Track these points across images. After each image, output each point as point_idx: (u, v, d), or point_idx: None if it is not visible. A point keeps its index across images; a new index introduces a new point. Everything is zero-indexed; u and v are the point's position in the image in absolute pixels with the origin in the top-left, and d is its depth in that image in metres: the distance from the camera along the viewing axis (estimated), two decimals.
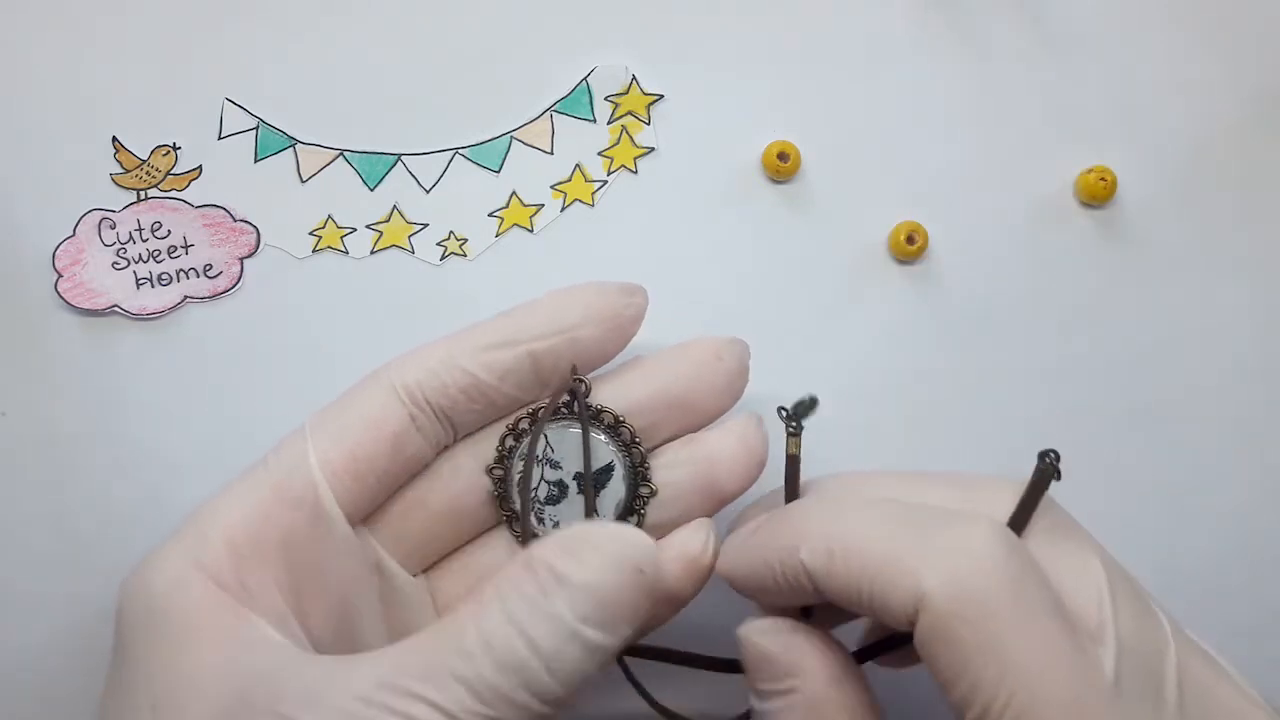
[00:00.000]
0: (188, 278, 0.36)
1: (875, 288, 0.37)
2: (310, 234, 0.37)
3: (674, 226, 0.37)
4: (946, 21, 0.38)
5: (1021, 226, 0.37)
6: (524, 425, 0.32)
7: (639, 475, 0.31)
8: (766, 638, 0.28)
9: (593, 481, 0.31)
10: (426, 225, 0.37)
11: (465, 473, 0.32)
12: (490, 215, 0.37)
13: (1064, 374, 0.37)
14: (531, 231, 0.37)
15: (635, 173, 0.37)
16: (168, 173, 0.36)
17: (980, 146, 0.37)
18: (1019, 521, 0.28)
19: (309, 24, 0.37)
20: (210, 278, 0.36)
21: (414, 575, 0.33)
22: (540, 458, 0.31)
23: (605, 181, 0.37)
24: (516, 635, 0.25)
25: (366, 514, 0.31)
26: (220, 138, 0.37)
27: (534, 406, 0.32)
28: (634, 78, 0.37)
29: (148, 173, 0.36)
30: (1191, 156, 0.38)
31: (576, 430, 0.31)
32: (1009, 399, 0.37)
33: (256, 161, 0.37)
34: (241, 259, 0.37)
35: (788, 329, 0.37)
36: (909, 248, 0.37)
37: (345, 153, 0.37)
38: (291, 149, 0.37)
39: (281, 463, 0.30)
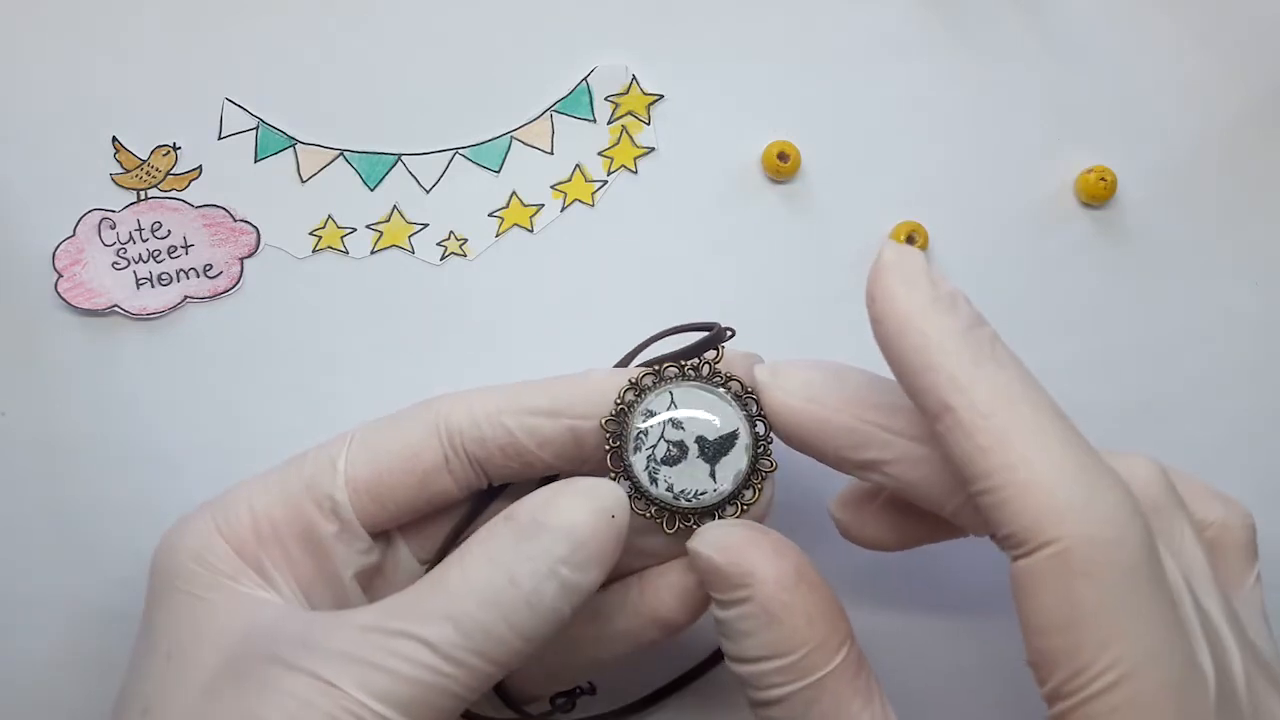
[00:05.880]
0: (188, 278, 0.36)
1: None
2: (310, 234, 0.37)
3: (674, 227, 0.37)
4: (946, 21, 0.38)
5: (1021, 226, 0.37)
6: (647, 381, 0.30)
7: (760, 449, 0.30)
8: (715, 550, 0.28)
9: (715, 447, 0.30)
10: (426, 225, 0.37)
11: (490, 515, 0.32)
12: (490, 215, 0.37)
13: (1064, 374, 0.37)
14: (531, 231, 0.37)
15: (635, 173, 0.37)
16: (168, 173, 0.36)
17: (980, 146, 0.37)
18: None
19: (308, 24, 0.37)
20: (210, 278, 0.36)
21: None
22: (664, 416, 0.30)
23: (605, 181, 0.37)
24: (500, 574, 0.27)
25: (386, 529, 0.31)
26: (220, 138, 0.37)
27: (660, 362, 0.31)
28: (634, 78, 0.37)
29: (148, 173, 0.36)
30: (1191, 156, 0.38)
31: (705, 392, 0.30)
32: None
33: (256, 161, 0.37)
34: (241, 259, 0.37)
35: (788, 329, 0.37)
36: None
37: (345, 153, 0.37)
38: (291, 149, 0.37)
39: (318, 462, 0.30)
